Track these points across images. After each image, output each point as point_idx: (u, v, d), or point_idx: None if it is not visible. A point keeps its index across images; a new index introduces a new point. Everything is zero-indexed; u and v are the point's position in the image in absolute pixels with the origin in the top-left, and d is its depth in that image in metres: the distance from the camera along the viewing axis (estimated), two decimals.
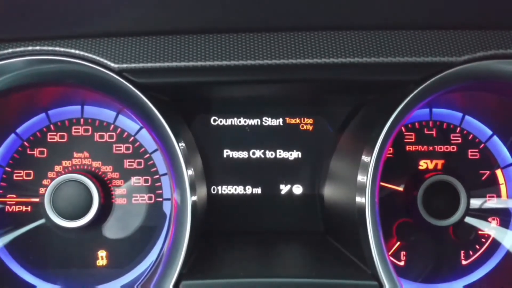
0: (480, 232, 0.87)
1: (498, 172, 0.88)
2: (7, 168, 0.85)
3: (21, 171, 0.85)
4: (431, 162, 0.88)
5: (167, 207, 0.86)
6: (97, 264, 0.84)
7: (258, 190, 0.91)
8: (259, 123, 0.92)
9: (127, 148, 0.86)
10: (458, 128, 0.89)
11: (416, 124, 0.89)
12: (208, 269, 0.70)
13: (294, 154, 0.92)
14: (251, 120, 0.92)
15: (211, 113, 0.92)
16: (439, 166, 0.87)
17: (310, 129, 0.92)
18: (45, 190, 0.80)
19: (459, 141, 0.89)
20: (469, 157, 0.88)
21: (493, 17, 0.72)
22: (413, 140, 0.88)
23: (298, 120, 0.92)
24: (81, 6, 0.66)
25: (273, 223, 0.91)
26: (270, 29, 0.73)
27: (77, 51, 0.71)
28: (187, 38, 0.73)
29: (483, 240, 0.87)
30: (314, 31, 0.73)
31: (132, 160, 0.86)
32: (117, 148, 0.86)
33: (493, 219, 0.87)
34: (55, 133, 0.86)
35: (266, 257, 0.78)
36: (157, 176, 0.86)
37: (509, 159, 0.88)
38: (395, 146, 0.87)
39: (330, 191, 0.86)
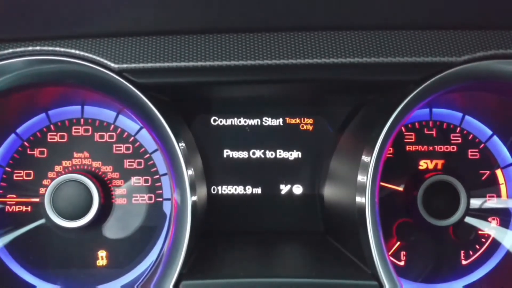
0: (480, 232, 0.87)
1: (498, 172, 0.88)
2: (7, 168, 0.85)
3: (21, 171, 0.85)
4: (431, 162, 0.88)
5: (167, 207, 0.86)
6: (97, 264, 0.84)
7: (258, 190, 0.91)
8: (259, 123, 0.92)
9: (127, 148, 0.86)
10: (458, 128, 0.89)
11: (416, 124, 0.89)
12: (208, 269, 0.70)
13: (294, 154, 0.92)
14: (251, 120, 0.92)
15: (211, 113, 0.92)
16: (439, 166, 0.87)
17: (310, 129, 0.92)
18: (45, 190, 0.80)
19: (459, 141, 0.89)
20: (469, 157, 0.88)
21: (493, 17, 0.72)
22: (413, 140, 0.88)
23: (298, 120, 0.92)
24: (81, 6, 0.66)
25: (273, 223, 0.91)
26: (270, 29, 0.73)
27: (77, 51, 0.71)
28: (187, 38, 0.73)
29: (483, 240, 0.87)
30: (314, 31, 0.73)
31: (132, 160, 0.86)
32: (117, 148, 0.86)
33: (493, 219, 0.87)
34: (55, 133, 0.86)
35: (266, 257, 0.78)
36: (157, 176, 0.86)
37: (509, 159, 0.88)
38: (395, 146, 0.87)
39: (330, 191, 0.86)
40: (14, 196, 0.84)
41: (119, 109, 0.85)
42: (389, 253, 0.78)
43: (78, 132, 0.86)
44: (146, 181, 0.86)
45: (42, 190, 0.84)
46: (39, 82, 0.73)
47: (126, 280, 0.84)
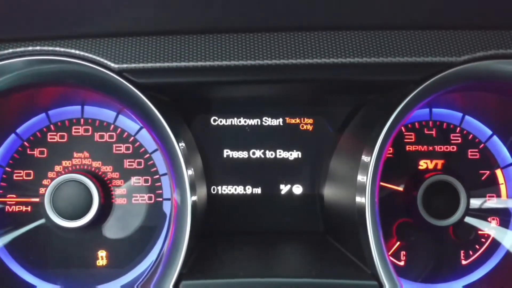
0: (480, 232, 0.87)
1: (498, 172, 0.88)
2: (7, 168, 0.85)
3: (21, 171, 0.85)
4: (431, 162, 0.88)
5: (167, 207, 0.86)
6: (97, 264, 0.84)
7: (258, 190, 0.91)
8: (259, 123, 0.92)
9: (127, 148, 0.86)
10: (458, 128, 0.89)
11: (416, 124, 0.89)
12: (208, 269, 0.70)
13: (294, 154, 0.92)
14: (251, 120, 0.92)
15: (211, 113, 0.92)
16: (439, 166, 0.87)
17: (310, 129, 0.92)
18: (45, 190, 0.80)
19: (459, 141, 0.89)
20: (469, 157, 0.88)
21: (493, 17, 0.72)
22: (413, 140, 0.88)
23: (298, 120, 0.92)
24: (81, 6, 0.66)
25: (273, 223, 0.91)
26: (270, 29, 0.73)
27: (77, 51, 0.71)
28: (187, 38, 0.73)
29: (483, 240, 0.87)
30: (314, 31, 0.73)
31: (132, 160, 0.86)
32: (117, 148, 0.86)
33: (493, 219, 0.87)
34: (55, 133, 0.86)
35: (266, 257, 0.78)
36: (157, 176, 0.86)
37: (509, 159, 0.88)
38: (395, 146, 0.87)
39: (330, 191, 0.86)
40: (14, 196, 0.84)
41: (119, 109, 0.85)
42: (389, 253, 0.78)
43: (78, 132, 0.86)
44: (146, 181, 0.86)
45: (42, 190, 0.84)
46: (39, 82, 0.73)
47: (126, 280, 0.84)
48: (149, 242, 0.85)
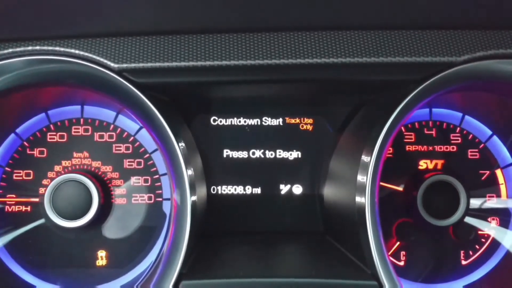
0: (480, 232, 0.87)
1: (498, 172, 0.88)
2: (7, 168, 0.85)
3: (21, 171, 0.85)
4: (431, 162, 0.88)
5: (167, 207, 0.86)
6: (97, 264, 0.84)
7: (258, 190, 0.91)
8: (259, 123, 0.92)
9: (127, 148, 0.86)
10: (458, 128, 0.89)
11: (416, 124, 0.89)
12: (208, 269, 0.70)
13: (294, 154, 0.92)
14: (251, 120, 0.92)
15: (211, 113, 0.91)
16: (439, 166, 0.87)
17: (310, 129, 0.92)
18: (45, 190, 0.80)
19: (459, 141, 0.89)
20: (469, 157, 0.88)
21: (493, 17, 0.72)
22: (413, 140, 0.88)
23: (298, 120, 0.92)
24: (81, 6, 0.66)
25: (273, 223, 0.91)
26: (270, 29, 0.73)
27: (77, 51, 0.71)
28: (187, 38, 0.73)
29: (483, 240, 0.87)
30: (314, 31, 0.73)
31: (132, 160, 0.86)
32: (117, 148, 0.86)
33: (493, 219, 0.87)
34: (55, 133, 0.86)
35: (266, 257, 0.78)
36: (157, 176, 0.86)
37: (509, 159, 0.88)
38: (395, 146, 0.87)
39: (330, 191, 0.86)
40: (14, 196, 0.84)
41: (118, 109, 0.85)
42: (389, 253, 0.78)
43: (78, 132, 0.86)
44: (145, 181, 0.86)
45: (41, 190, 0.84)
46: (38, 82, 0.73)
47: (125, 280, 0.84)
48: (149, 242, 0.85)
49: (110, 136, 0.86)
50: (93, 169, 0.85)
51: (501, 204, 0.88)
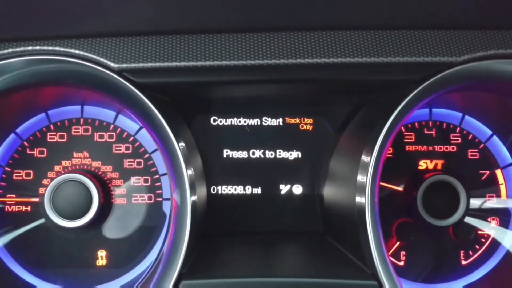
0: (480, 232, 0.87)
1: (498, 172, 0.88)
2: (7, 168, 0.85)
3: (21, 171, 0.85)
4: (431, 162, 0.88)
5: (167, 207, 0.86)
6: (97, 264, 0.84)
7: (258, 190, 0.91)
8: (259, 123, 0.92)
9: (127, 148, 0.86)
10: (458, 128, 0.89)
11: (416, 124, 0.89)
12: (208, 269, 0.70)
13: (294, 154, 0.92)
14: (251, 120, 0.92)
15: (211, 113, 0.92)
16: (439, 166, 0.87)
17: (310, 129, 0.92)
18: (45, 190, 0.80)
19: (459, 141, 0.89)
20: (469, 157, 0.88)
21: (493, 17, 0.72)
22: (413, 140, 0.88)
23: (298, 120, 0.92)
24: (81, 6, 0.66)
25: (273, 223, 0.91)
26: (270, 29, 0.73)
27: (77, 51, 0.71)
28: (187, 38, 0.73)
29: (483, 240, 0.87)
30: (314, 31, 0.73)
31: (132, 160, 0.86)
32: (117, 148, 0.86)
33: (493, 219, 0.87)
34: (55, 133, 0.86)
35: (266, 257, 0.78)
36: (157, 176, 0.86)
37: (508, 159, 0.88)
38: (395, 146, 0.87)
39: (330, 191, 0.86)
40: (14, 196, 0.84)
41: (118, 109, 0.85)
42: (389, 253, 0.78)
43: (78, 132, 0.86)
44: (145, 181, 0.86)
45: (41, 190, 0.84)
46: (38, 82, 0.73)
47: (126, 280, 0.84)
48: (149, 242, 0.85)
49: (110, 136, 0.86)
50: (93, 169, 0.85)
51: (501, 204, 0.88)
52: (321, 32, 0.73)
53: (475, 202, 0.87)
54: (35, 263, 0.84)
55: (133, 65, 0.71)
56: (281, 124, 0.92)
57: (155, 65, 0.71)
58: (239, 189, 0.91)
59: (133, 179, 0.86)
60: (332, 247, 0.82)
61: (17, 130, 0.85)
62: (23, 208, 0.84)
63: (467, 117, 0.89)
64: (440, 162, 0.88)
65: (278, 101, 0.91)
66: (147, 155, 0.86)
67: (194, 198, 0.72)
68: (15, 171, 0.85)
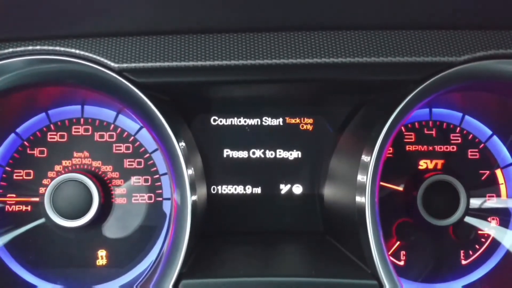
0: (479, 232, 0.87)
1: (498, 172, 0.88)
2: (7, 168, 0.85)
3: (21, 171, 0.85)
4: (431, 162, 0.88)
5: (167, 207, 0.86)
6: (97, 263, 0.84)
7: (258, 190, 0.91)
8: (259, 123, 0.92)
9: (127, 148, 0.86)
10: (458, 128, 0.89)
11: (416, 124, 0.89)
12: (207, 269, 0.70)
13: (294, 154, 0.92)
14: (251, 120, 0.92)
15: (211, 113, 0.92)
16: (439, 166, 0.87)
17: (310, 129, 0.92)
18: (45, 190, 0.80)
19: (459, 141, 0.89)
20: (469, 157, 0.88)
21: (493, 17, 0.72)
22: (413, 140, 0.88)
23: (298, 120, 0.92)
24: (82, 6, 0.66)
25: (273, 223, 0.91)
26: (270, 29, 0.73)
27: (77, 51, 0.71)
28: (187, 38, 0.73)
29: (483, 240, 0.87)
30: (314, 31, 0.73)
31: (132, 159, 0.86)
32: (117, 148, 0.86)
33: (493, 219, 0.87)
34: (55, 133, 0.86)
35: (266, 257, 0.78)
36: (157, 176, 0.86)
37: (509, 159, 0.88)
38: (395, 146, 0.87)
39: (330, 191, 0.86)
40: (14, 195, 0.84)
41: (119, 109, 0.85)
42: (389, 253, 0.78)
43: (78, 131, 0.86)
44: (146, 180, 0.86)
45: (42, 190, 0.84)
46: (39, 81, 0.73)
47: (126, 279, 0.84)
48: (149, 241, 0.85)
49: (110, 136, 0.86)
50: (93, 168, 0.85)
51: (501, 204, 0.88)
52: (321, 32, 0.73)
53: (475, 202, 0.87)
54: (35, 263, 0.84)
55: (133, 65, 0.71)
56: (281, 124, 0.92)
57: (155, 65, 0.71)
58: (239, 189, 0.91)
59: (133, 179, 0.86)
60: (332, 247, 0.82)
61: (18, 130, 0.85)
62: (23, 207, 0.84)
63: (467, 117, 0.89)
64: (440, 162, 0.88)
65: (278, 101, 0.91)
66: (147, 155, 0.86)
67: (194, 198, 0.72)
68: (16, 170, 0.85)
